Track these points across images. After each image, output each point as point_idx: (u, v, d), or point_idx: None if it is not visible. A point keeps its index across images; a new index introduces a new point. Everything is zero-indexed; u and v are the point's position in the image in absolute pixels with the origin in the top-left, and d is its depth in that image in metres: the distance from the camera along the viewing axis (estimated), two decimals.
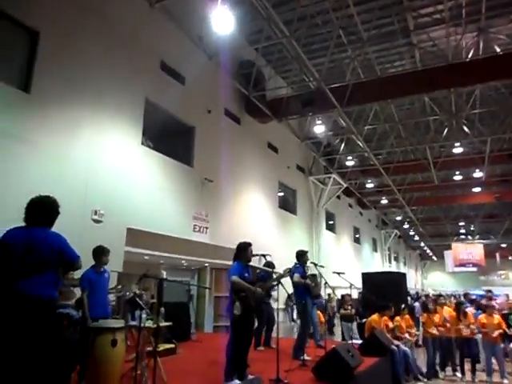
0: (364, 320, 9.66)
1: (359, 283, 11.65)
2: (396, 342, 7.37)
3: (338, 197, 24.32)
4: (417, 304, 13.44)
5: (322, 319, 9.36)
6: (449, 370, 8.39)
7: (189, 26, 11.73)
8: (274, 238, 15.90)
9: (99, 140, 8.88)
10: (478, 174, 22.61)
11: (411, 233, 42.38)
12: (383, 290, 9.85)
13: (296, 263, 6.94)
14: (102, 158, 8.90)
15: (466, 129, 17.61)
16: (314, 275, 7.34)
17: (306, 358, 6.06)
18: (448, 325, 8.27)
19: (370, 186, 26.23)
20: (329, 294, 11.88)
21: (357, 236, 29.93)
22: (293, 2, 12.02)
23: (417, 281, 51.83)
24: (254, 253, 5.50)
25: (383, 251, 36.82)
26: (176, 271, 12.00)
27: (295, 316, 13.79)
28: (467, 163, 21.24)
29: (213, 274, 12.52)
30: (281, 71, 16.24)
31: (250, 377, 4.70)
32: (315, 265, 7.07)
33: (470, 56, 13.30)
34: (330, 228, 24.03)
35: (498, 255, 44.73)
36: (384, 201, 30.35)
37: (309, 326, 7.00)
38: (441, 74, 12.42)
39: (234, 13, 10.01)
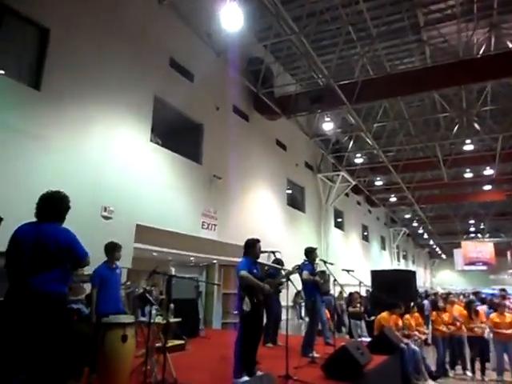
0: (372, 318, 9.64)
1: (368, 281, 11.60)
2: (405, 341, 7.33)
3: (347, 194, 24.22)
4: (426, 302, 13.33)
5: (329, 316, 9.34)
6: (459, 368, 8.34)
7: (197, 23, 11.72)
8: (282, 235, 15.88)
9: (109, 137, 8.93)
10: (488, 171, 22.36)
11: (420, 231, 42.05)
12: (393, 288, 9.78)
13: (305, 260, 6.92)
14: (111, 155, 8.95)
15: (476, 126, 17.39)
16: (323, 272, 7.33)
17: (315, 355, 6.05)
18: (458, 323, 8.21)
19: (378, 183, 26.07)
20: (340, 292, 11.83)
21: (365, 234, 29.80)
22: None
23: (426, 279, 51.51)
24: (262, 250, 5.50)
25: (392, 249, 36.61)
26: (184, 268, 12.04)
27: (303, 313, 13.78)
28: (478, 161, 21.01)
29: (221, 270, 12.54)
30: (289, 68, 16.17)
31: (259, 373, 4.69)
32: (324, 262, 7.04)
33: (481, 52, 13.12)
34: (339, 226, 23.95)
35: (509, 254, 44.20)
36: (393, 199, 30.16)
37: (317, 323, 6.99)
38: (451, 70, 12.28)
39: (242, 9, 9.98)
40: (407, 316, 8.20)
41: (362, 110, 17.11)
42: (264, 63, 13.98)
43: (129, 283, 7.42)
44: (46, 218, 3.31)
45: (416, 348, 7.44)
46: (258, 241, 5.26)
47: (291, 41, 12.67)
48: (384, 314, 7.89)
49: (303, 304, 12.65)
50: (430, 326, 9.18)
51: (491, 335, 7.99)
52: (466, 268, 42.14)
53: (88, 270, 5.86)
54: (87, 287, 6.42)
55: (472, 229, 42.55)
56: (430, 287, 44.35)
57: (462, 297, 19.18)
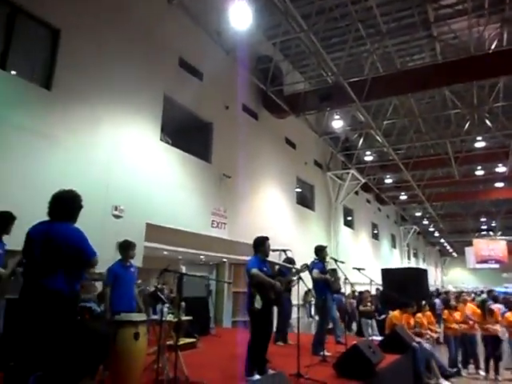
0: (383, 316, 9.58)
1: (378, 280, 11.52)
2: (417, 339, 7.27)
3: (356, 192, 24.11)
4: (437, 300, 13.23)
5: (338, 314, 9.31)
6: (471, 367, 8.26)
7: (206, 22, 11.71)
8: (291, 233, 15.85)
9: (119, 136, 8.98)
10: (501, 168, 22.09)
11: (431, 229, 41.70)
12: (404, 287, 9.72)
13: (315, 259, 6.90)
14: (122, 154, 9.00)
15: (488, 122, 17.19)
16: (333, 270, 7.30)
17: (326, 353, 6.02)
18: (471, 322, 8.13)
19: (388, 181, 25.91)
20: (353, 291, 11.78)
21: (375, 232, 29.63)
22: None
23: (436, 277, 51.10)
24: (273, 248, 5.48)
25: (402, 247, 36.36)
26: (194, 266, 12.07)
27: (313, 312, 13.76)
28: (489, 158, 20.75)
29: (231, 269, 12.55)
30: (298, 66, 16.11)
31: (271, 372, 4.69)
32: (335, 260, 7.01)
33: (493, 47, 12.94)
34: (348, 224, 23.85)
35: None
36: (403, 196, 29.92)
37: (328, 321, 6.97)
38: (462, 66, 12.14)
39: (251, 7, 9.98)
40: (419, 315, 8.14)
41: (371, 108, 16.99)
42: (273, 61, 13.95)
43: (140, 281, 7.46)
44: (57, 217, 3.33)
45: (428, 347, 7.38)
46: (266, 238, 5.25)
47: (300, 38, 12.62)
48: (396, 313, 7.83)
49: (313, 302, 12.64)
50: (442, 325, 9.09)
51: (506, 335, 7.89)
52: (478, 266, 41.66)
53: (99, 269, 5.92)
54: (99, 285, 6.49)
55: (484, 227, 42.07)
56: (441, 285, 44.04)
57: (473, 295, 18.99)
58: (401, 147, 20.93)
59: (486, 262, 40.15)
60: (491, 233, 42.43)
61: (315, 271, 6.62)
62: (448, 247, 50.53)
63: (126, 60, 9.23)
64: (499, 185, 25.91)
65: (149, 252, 9.20)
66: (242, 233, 12.11)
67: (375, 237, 29.39)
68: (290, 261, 7.32)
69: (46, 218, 3.36)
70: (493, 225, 40.86)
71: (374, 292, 13.37)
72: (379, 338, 7.59)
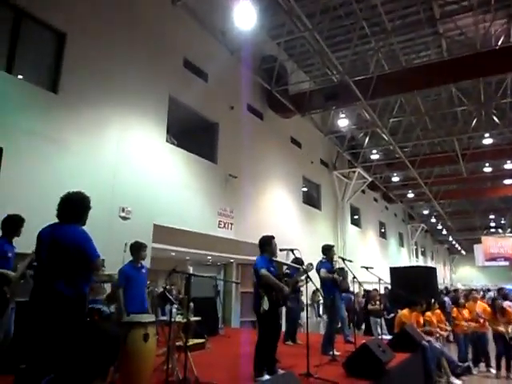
0: (392, 315, 9.53)
1: (386, 278, 11.46)
2: (427, 338, 7.22)
3: (363, 191, 23.98)
4: (446, 299, 13.12)
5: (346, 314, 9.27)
6: (482, 365, 8.19)
7: (210, 22, 11.72)
8: (298, 233, 15.82)
9: (125, 138, 9.02)
10: (509, 165, 21.89)
11: (439, 227, 41.40)
12: (412, 285, 9.67)
13: (323, 258, 6.88)
14: (128, 156, 9.04)
15: (495, 119, 17.04)
16: (341, 269, 7.27)
17: (336, 353, 6.00)
18: (482, 320, 8.06)
19: (395, 179, 25.73)
20: (365, 291, 11.75)
21: (382, 231, 29.48)
22: None
23: (445, 276, 50.73)
24: (280, 248, 5.47)
25: (410, 246, 36.15)
26: (202, 267, 12.10)
27: (321, 311, 13.72)
28: (498, 154, 20.55)
29: (239, 269, 12.57)
30: (303, 65, 16.08)
31: (281, 372, 4.68)
32: (343, 259, 6.98)
33: (499, 43, 12.82)
34: (355, 223, 23.75)
35: None
36: (410, 194, 29.75)
37: (337, 321, 6.95)
38: (469, 63, 12.04)
39: (255, 7, 9.97)
40: (428, 313, 8.09)
41: (377, 106, 16.89)
42: (278, 61, 13.93)
43: (148, 282, 7.48)
44: (65, 219, 3.35)
45: (438, 345, 7.34)
46: (272, 237, 5.23)
47: (305, 38, 12.58)
48: (405, 312, 7.79)
49: (321, 302, 12.61)
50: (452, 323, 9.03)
51: None
52: (487, 264, 41.33)
53: (108, 270, 5.95)
54: (107, 287, 6.52)
55: (492, 224, 41.75)
56: (449, 284, 43.74)
57: (481, 293, 18.83)
58: (407, 145, 20.81)
59: (495, 259, 39.82)
60: (500, 230, 42.07)
61: (323, 271, 6.60)
62: (456, 245, 50.16)
63: (130, 62, 9.27)
64: (508, 181, 25.66)
65: (156, 253, 9.23)
66: (248, 233, 12.10)
67: (383, 235, 29.24)
68: (299, 261, 7.30)
69: (56, 221, 3.39)
70: (502, 222, 40.52)
71: (382, 291, 13.34)
72: (388, 337, 7.56)
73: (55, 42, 7.99)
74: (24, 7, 7.36)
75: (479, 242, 40.93)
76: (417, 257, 37.62)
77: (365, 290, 11.82)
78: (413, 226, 36.90)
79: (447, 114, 18.72)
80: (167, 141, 10.42)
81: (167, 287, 7.77)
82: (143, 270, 5.42)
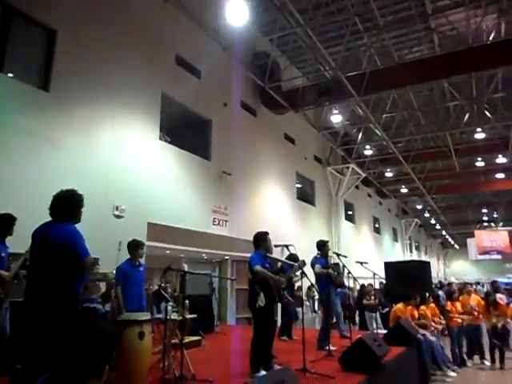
0: (386, 310, 9.59)
1: (381, 273, 11.51)
2: (422, 331, 7.27)
3: (357, 187, 24.08)
4: (440, 292, 13.21)
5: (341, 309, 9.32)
6: (476, 358, 8.27)
7: (203, 19, 11.65)
8: (292, 229, 15.85)
9: (118, 136, 8.97)
10: (501, 159, 22.05)
11: (432, 221, 41.64)
12: (407, 280, 9.71)
13: (318, 254, 6.89)
14: (121, 155, 8.99)
15: (487, 113, 17.14)
16: (336, 264, 7.30)
17: (332, 348, 6.03)
18: (476, 313, 8.13)
19: (389, 174, 25.84)
20: (361, 285, 11.81)
21: (376, 226, 29.62)
22: None
23: (439, 270, 51.09)
24: (274, 244, 5.47)
25: (404, 241, 36.37)
26: (197, 264, 12.07)
27: (316, 307, 13.76)
28: (490, 149, 20.71)
29: (234, 266, 12.57)
30: (296, 61, 16.05)
31: (277, 367, 4.69)
32: (338, 255, 7.00)
33: (491, 38, 12.88)
34: (349, 218, 23.84)
35: None
36: (404, 190, 29.87)
37: (332, 316, 6.97)
38: (461, 58, 12.09)
39: (247, 3, 9.94)
40: (423, 307, 8.14)
41: (370, 101, 16.93)
42: (270, 57, 13.90)
43: None
44: (58, 217, 3.32)
45: (433, 339, 7.39)
46: (266, 233, 5.22)
47: (297, 34, 12.55)
48: (399, 306, 7.83)
49: (316, 297, 12.65)
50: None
51: None
52: (480, 257, 41.69)
53: (102, 269, 5.93)
54: (102, 286, 6.50)
55: (485, 218, 42.05)
56: (443, 278, 44.03)
57: (474, 286, 18.95)
58: (400, 140, 20.87)
59: (488, 253, 40.18)
60: (493, 224, 42.40)
61: (317, 266, 6.61)
62: (450, 239, 50.49)
63: (122, 59, 9.21)
64: (500, 176, 25.87)
65: (151, 251, 9.18)
66: (243, 230, 12.09)
67: (377, 231, 29.38)
68: (294, 257, 7.31)
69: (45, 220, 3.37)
70: (494, 216, 40.84)
71: (377, 286, 13.40)
72: (384, 331, 7.60)
73: (45, 40, 7.91)
74: (13, 4, 7.27)
75: (472, 236, 41.26)
76: (411, 251, 37.86)
77: (361, 285, 11.88)
78: (406, 220, 37.11)
79: (440, 109, 18.81)
80: (160, 138, 10.38)
81: (162, 285, 7.74)
82: (141, 268, 5.40)
